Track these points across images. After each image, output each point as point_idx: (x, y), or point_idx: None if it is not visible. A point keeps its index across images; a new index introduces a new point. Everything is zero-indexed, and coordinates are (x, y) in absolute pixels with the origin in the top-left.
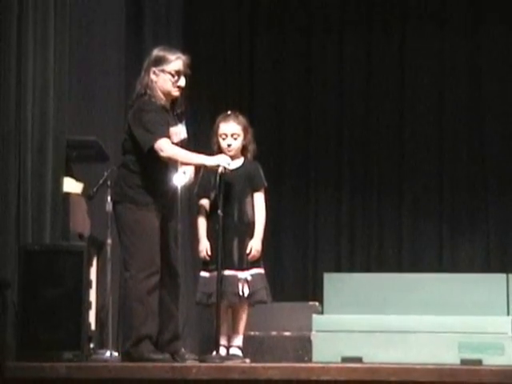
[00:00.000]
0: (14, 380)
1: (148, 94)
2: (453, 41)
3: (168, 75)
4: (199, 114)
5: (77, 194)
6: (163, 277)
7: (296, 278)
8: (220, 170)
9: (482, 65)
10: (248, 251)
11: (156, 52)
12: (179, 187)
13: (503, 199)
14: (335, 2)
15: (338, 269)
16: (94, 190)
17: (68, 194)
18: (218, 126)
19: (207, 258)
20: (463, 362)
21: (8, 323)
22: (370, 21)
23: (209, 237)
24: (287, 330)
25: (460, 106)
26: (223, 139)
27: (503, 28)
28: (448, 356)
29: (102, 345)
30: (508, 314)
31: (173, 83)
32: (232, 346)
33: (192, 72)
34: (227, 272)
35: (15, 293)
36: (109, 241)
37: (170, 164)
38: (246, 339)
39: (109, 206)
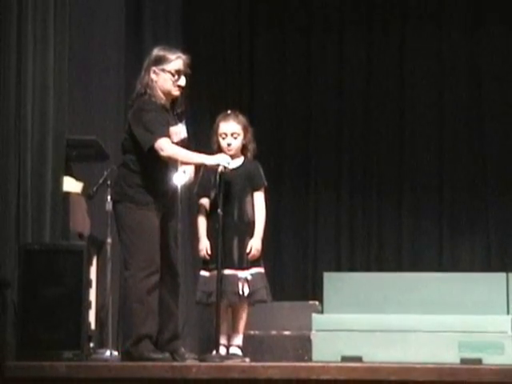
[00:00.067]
0: (13, 379)
1: (148, 94)
2: (452, 41)
3: (168, 74)
4: (199, 114)
5: (77, 194)
6: (163, 276)
7: (296, 278)
8: (220, 169)
9: (481, 65)
10: (248, 250)
11: (156, 51)
12: (179, 187)
13: (503, 199)
14: (335, 2)
15: (338, 268)
16: (94, 189)
17: (68, 194)
18: (217, 126)
19: (207, 257)
20: (463, 361)
21: (8, 322)
22: (369, 21)
23: (209, 236)
24: (287, 330)
25: (460, 105)
26: (223, 138)
27: (503, 28)
28: (448, 355)
29: (102, 344)
30: (508, 313)
31: (173, 82)
32: (232, 346)
33: (192, 72)
34: (227, 271)
35: (15, 292)
36: (109, 240)
37: (170, 163)
38: (246, 338)
39: (109, 206)
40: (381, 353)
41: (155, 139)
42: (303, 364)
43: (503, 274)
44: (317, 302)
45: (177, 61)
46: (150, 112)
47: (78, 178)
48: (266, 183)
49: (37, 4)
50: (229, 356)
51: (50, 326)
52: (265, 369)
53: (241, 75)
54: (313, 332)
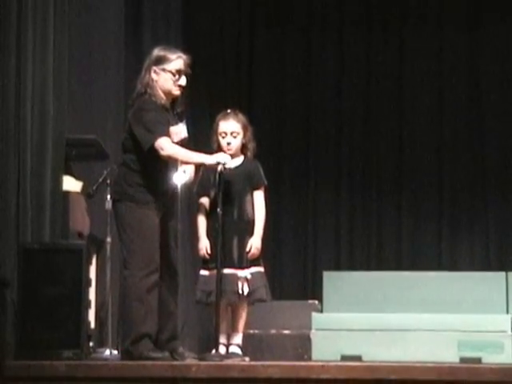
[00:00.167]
0: (13, 378)
1: (148, 93)
2: (452, 41)
3: (169, 74)
4: (198, 114)
5: (76, 193)
6: (162, 275)
7: (295, 277)
8: (220, 168)
9: (481, 65)
10: (248, 249)
11: (157, 51)
12: (179, 186)
13: (502, 198)
14: (334, 1)
15: (338, 267)
16: (94, 188)
17: (67, 193)
18: (217, 125)
19: (207, 256)
20: (462, 360)
21: (7, 322)
22: (369, 20)
23: (208, 235)
24: (287, 329)
25: (460, 105)
26: (223, 137)
27: (502, 28)
28: (447, 354)
29: (102, 343)
30: (507, 312)
31: (174, 82)
32: (231, 345)
33: (192, 71)
34: (227, 270)
35: (15, 291)
36: (108, 239)
37: (170, 163)
38: (246, 337)
39: (108, 205)
40: (380, 352)
41: (155, 139)
42: (303, 363)
43: (502, 274)
44: (316, 301)
45: (177, 60)
46: (151, 111)
47: (77, 177)
48: (265, 182)
49: (36, 4)
50: (228, 355)
51: (49, 325)
52: (264, 368)
53: (240, 75)
54: (312, 331)
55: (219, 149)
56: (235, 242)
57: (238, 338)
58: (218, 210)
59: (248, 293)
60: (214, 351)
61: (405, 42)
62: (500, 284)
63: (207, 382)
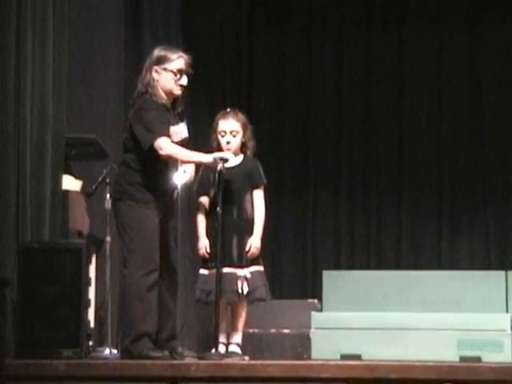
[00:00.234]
0: (13, 377)
1: (149, 93)
2: (452, 40)
3: (170, 74)
4: (198, 114)
5: (76, 192)
6: (162, 275)
7: (295, 276)
8: (219, 167)
9: (481, 64)
10: (247, 249)
11: (158, 51)
12: (179, 186)
13: (502, 198)
14: (334, 1)
15: (337, 267)
16: (93, 187)
17: (67, 192)
18: (217, 124)
19: (206, 255)
20: (462, 359)
21: (7, 321)
22: (369, 20)
23: (208, 234)
24: (286, 328)
25: (459, 105)
26: (222, 136)
27: (502, 27)
28: (447, 353)
29: (102, 342)
30: (507, 311)
31: (175, 82)
32: (231, 344)
33: (192, 71)
34: (226, 269)
35: (14, 290)
36: (108, 238)
37: (171, 163)
38: (245, 337)
39: (108, 204)
40: (380, 351)
41: (155, 138)
42: (302, 362)
43: (502, 273)
44: (316, 300)
45: (178, 60)
46: (151, 111)
47: (77, 177)
48: (265, 181)
49: (36, 4)
50: (228, 354)
51: (49, 324)
52: (264, 367)
53: (240, 75)
54: (312, 330)
55: (219, 148)
56: (235, 241)
57: (237, 337)
58: (218, 209)
59: (248, 292)
60: (213, 350)
61: (404, 42)
62: (500, 283)
63: (207, 381)
